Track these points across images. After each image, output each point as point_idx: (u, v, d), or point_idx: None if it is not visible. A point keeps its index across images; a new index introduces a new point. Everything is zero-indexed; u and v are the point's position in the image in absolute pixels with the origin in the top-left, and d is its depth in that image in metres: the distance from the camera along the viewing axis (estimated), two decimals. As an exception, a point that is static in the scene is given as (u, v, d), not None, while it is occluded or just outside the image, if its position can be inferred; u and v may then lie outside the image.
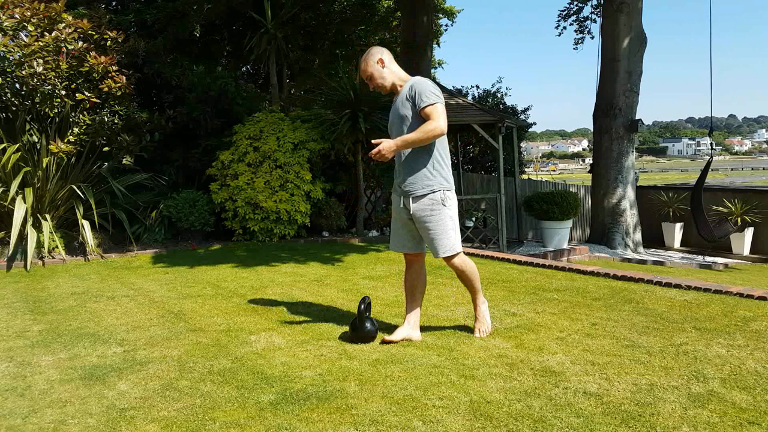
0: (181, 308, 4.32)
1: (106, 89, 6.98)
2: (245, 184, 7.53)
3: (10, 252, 6.14)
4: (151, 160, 8.22)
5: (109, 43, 7.36)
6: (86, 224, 6.65)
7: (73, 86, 6.95)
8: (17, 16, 6.57)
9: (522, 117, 15.49)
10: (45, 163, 6.63)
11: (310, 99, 9.39)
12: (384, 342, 3.32)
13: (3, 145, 6.51)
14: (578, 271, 5.18)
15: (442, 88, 9.51)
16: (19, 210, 6.17)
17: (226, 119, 8.40)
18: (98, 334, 3.70)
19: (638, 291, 4.38)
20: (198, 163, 8.27)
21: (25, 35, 6.59)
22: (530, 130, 20.64)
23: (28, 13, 6.64)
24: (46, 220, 6.52)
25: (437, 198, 3.27)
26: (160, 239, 7.44)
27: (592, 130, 11.31)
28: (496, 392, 2.60)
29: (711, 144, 10.78)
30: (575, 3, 14.76)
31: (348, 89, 8.05)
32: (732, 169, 68.91)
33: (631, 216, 10.45)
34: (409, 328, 3.39)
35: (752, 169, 69.77)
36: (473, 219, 9.27)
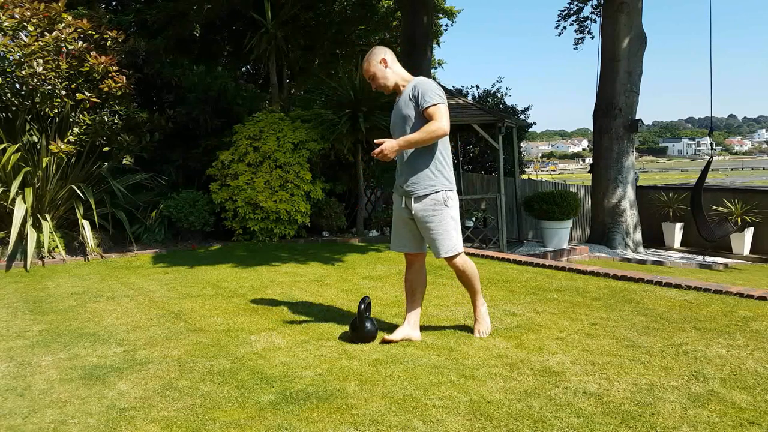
0: (181, 308, 4.32)
1: (106, 89, 6.98)
2: (245, 184, 7.54)
3: (10, 252, 6.14)
4: (151, 160, 8.22)
5: (109, 43, 7.35)
6: (86, 224, 6.65)
7: (73, 86, 6.95)
8: (17, 16, 6.57)
9: (522, 117, 15.50)
10: (45, 163, 6.63)
11: (310, 99, 9.36)
12: (384, 341, 3.32)
13: (3, 145, 6.51)
14: (578, 271, 5.18)
15: (443, 88, 9.51)
16: (19, 210, 6.17)
17: (226, 119, 8.40)
18: (98, 334, 3.70)
19: (638, 291, 4.38)
20: (198, 163, 8.28)
21: (25, 35, 6.59)
22: (530, 130, 20.64)
23: (28, 13, 6.64)
24: (46, 220, 6.52)
25: (439, 198, 3.27)
26: (160, 239, 7.45)
27: (592, 130, 11.31)
28: (496, 392, 2.60)
29: (711, 144, 10.78)
30: (575, 3, 14.76)
31: (348, 89, 8.06)
32: (732, 169, 68.92)
33: (631, 216, 10.45)
34: (409, 328, 3.40)
35: (752, 169, 69.77)
36: (473, 219, 9.27)
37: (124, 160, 8.18)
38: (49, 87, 6.73)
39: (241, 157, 7.71)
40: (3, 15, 6.51)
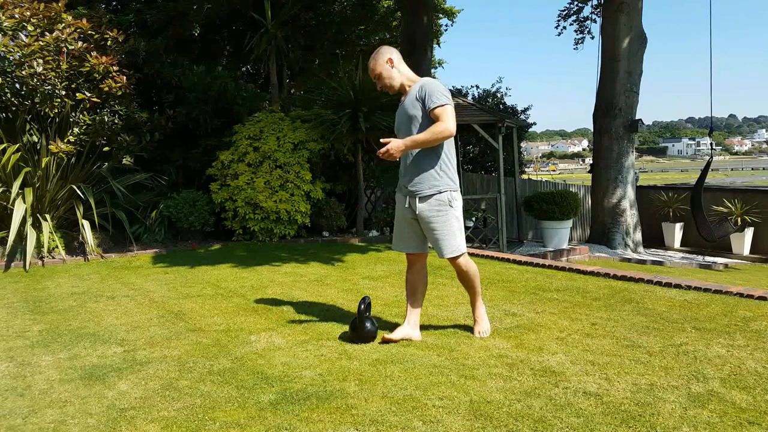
0: (181, 308, 4.32)
1: (106, 89, 6.98)
2: (245, 184, 7.54)
3: (9, 252, 6.13)
4: (151, 160, 8.22)
5: (109, 42, 7.35)
6: (86, 224, 6.65)
7: (73, 86, 6.95)
8: (17, 16, 6.57)
9: (522, 117, 15.49)
10: (45, 163, 6.63)
11: (310, 99, 9.36)
12: (384, 341, 3.32)
13: (3, 146, 6.51)
14: (578, 271, 5.18)
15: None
16: (19, 210, 6.17)
17: (226, 119, 8.40)
18: (98, 334, 3.70)
19: (638, 291, 4.38)
20: (198, 163, 8.27)
21: (25, 35, 6.59)
22: (530, 130, 20.62)
23: (28, 13, 6.64)
24: (46, 220, 6.52)
25: (444, 199, 3.27)
26: (160, 239, 7.45)
27: (592, 130, 11.31)
28: (496, 392, 2.60)
29: (711, 144, 10.78)
30: (575, 3, 14.75)
31: (348, 89, 8.05)
32: (732, 169, 68.94)
33: (631, 216, 10.45)
34: (409, 328, 3.40)
35: (752, 169, 69.80)
36: (473, 219, 9.27)
37: (124, 160, 8.18)
38: (49, 87, 6.73)
39: (241, 157, 7.71)
40: (3, 15, 6.51)
